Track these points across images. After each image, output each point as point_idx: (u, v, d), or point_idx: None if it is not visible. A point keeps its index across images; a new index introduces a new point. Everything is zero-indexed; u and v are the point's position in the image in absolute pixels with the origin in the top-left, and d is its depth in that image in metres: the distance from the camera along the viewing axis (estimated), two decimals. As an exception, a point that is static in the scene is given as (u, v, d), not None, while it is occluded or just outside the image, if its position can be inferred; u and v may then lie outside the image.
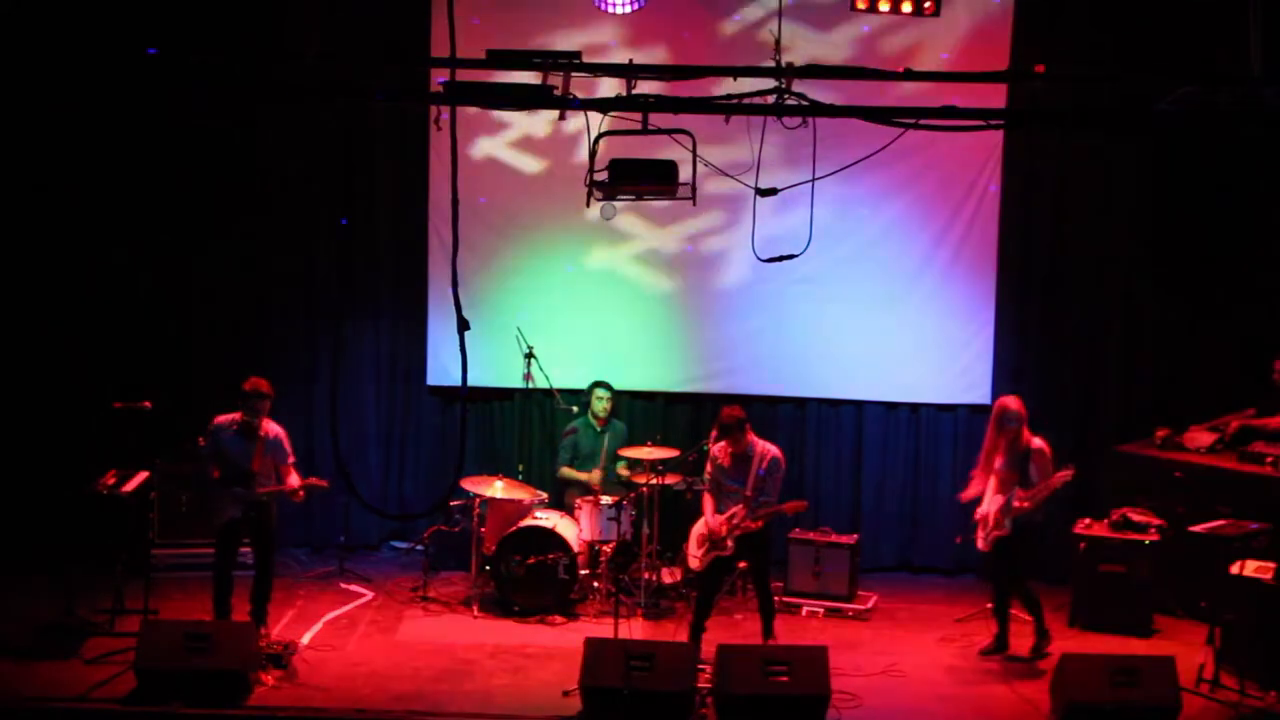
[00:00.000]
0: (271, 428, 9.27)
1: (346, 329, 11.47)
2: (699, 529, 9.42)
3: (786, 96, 7.59)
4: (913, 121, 7.58)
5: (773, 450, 9.28)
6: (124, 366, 11.21)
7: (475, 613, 10.11)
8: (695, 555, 9.42)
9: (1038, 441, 9.37)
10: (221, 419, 9.24)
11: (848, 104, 7.90)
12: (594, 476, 10.84)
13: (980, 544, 9.54)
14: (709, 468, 9.40)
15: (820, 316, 11.46)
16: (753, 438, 9.28)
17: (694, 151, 7.99)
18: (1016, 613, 9.66)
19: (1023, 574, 9.51)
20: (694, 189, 8.21)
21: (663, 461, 10.21)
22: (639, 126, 7.81)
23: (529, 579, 10.04)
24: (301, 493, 9.24)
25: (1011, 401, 9.45)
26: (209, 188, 11.39)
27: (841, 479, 11.74)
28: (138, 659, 8.39)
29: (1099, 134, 11.12)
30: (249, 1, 11.07)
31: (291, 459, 9.34)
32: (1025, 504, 9.26)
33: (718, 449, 9.34)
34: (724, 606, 10.07)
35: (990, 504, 9.45)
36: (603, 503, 10.27)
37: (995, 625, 9.61)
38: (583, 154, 7.92)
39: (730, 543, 9.18)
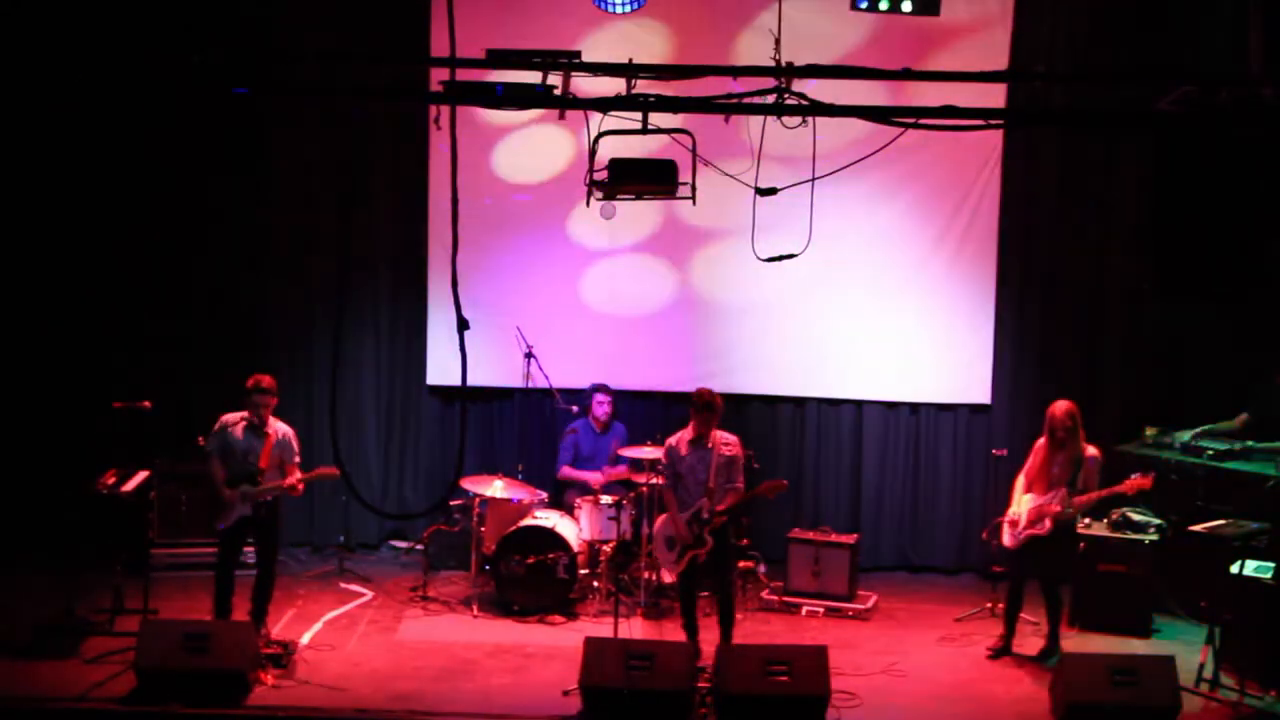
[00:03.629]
0: (280, 427, 9.29)
1: (347, 328, 11.47)
2: (665, 530, 9.36)
3: (786, 96, 7.59)
4: (913, 121, 7.57)
5: (729, 436, 9.28)
6: (124, 366, 11.22)
7: (475, 612, 10.11)
8: (669, 559, 9.34)
9: (1092, 449, 9.32)
10: (228, 417, 9.25)
11: (848, 104, 7.87)
12: (594, 478, 10.84)
13: (1008, 541, 9.49)
14: (664, 460, 9.36)
15: (820, 316, 11.47)
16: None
17: (694, 151, 7.98)
18: (1024, 615, 9.66)
19: (1058, 576, 9.48)
20: (694, 189, 8.20)
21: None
22: (639, 126, 7.80)
23: (529, 579, 10.04)
24: (301, 486, 9.25)
25: (1059, 407, 9.33)
26: (209, 187, 11.40)
27: (841, 479, 11.74)
28: (137, 659, 8.40)
29: (1099, 134, 11.12)
30: (249, 1, 11.07)
31: (298, 458, 9.35)
32: (1074, 509, 9.21)
33: (676, 439, 9.32)
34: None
35: (1023, 504, 9.40)
36: (603, 502, 10.27)
37: (1001, 626, 9.60)
38: (583, 153, 7.91)
39: (708, 537, 9.13)
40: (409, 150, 11.45)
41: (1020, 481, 9.52)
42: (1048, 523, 9.24)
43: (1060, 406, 9.36)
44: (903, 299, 11.44)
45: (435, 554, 10.87)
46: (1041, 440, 9.45)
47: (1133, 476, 9.27)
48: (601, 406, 11.01)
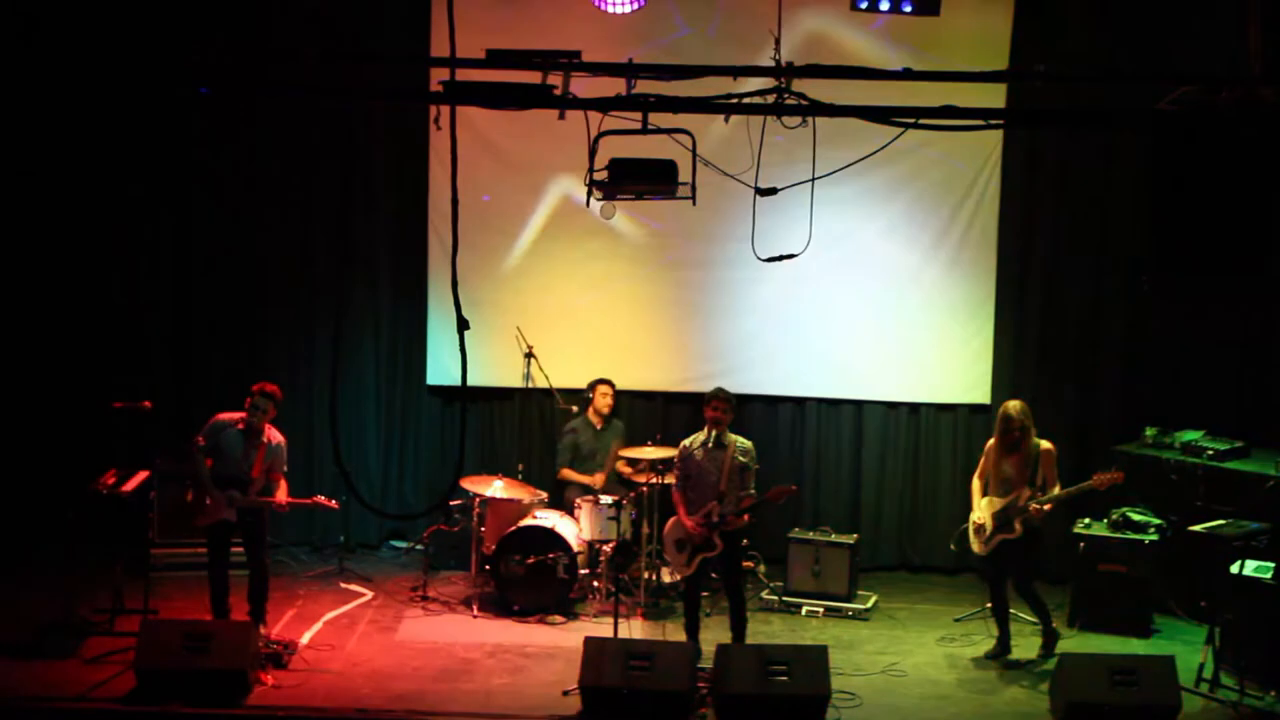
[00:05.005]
0: (275, 435, 9.28)
1: (347, 329, 11.47)
2: (675, 533, 9.37)
3: (786, 96, 7.59)
4: (913, 121, 7.57)
5: (745, 442, 9.28)
6: (124, 366, 11.23)
7: (475, 612, 10.12)
8: (679, 562, 9.35)
9: (1045, 444, 9.33)
10: (224, 416, 9.24)
11: (848, 104, 7.87)
12: (596, 480, 10.84)
13: (977, 548, 9.52)
14: (677, 461, 9.36)
15: (820, 316, 11.47)
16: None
17: (694, 151, 7.98)
18: (1017, 611, 9.67)
19: (1031, 577, 9.49)
20: (694, 189, 8.20)
21: (663, 461, 10.21)
22: (639, 126, 7.80)
23: (529, 579, 10.04)
24: (287, 507, 9.25)
25: (1014, 405, 9.38)
26: (209, 187, 11.41)
27: (841, 479, 11.74)
28: (137, 659, 8.40)
29: (1099, 134, 11.12)
30: (248, 1, 11.07)
31: (285, 468, 9.34)
32: (1047, 506, 9.22)
33: (689, 441, 9.33)
34: (724, 607, 10.04)
35: (985, 508, 9.41)
36: (603, 502, 10.27)
37: (996, 629, 9.60)
38: (583, 154, 7.90)
39: (718, 540, 9.14)
40: (409, 150, 11.45)
41: (976, 485, 9.53)
42: (1017, 525, 9.24)
43: (1014, 405, 9.37)
44: (903, 299, 11.44)
45: (435, 554, 10.87)
46: (992, 441, 9.47)
47: (1099, 472, 9.27)
48: (605, 399, 11.00)
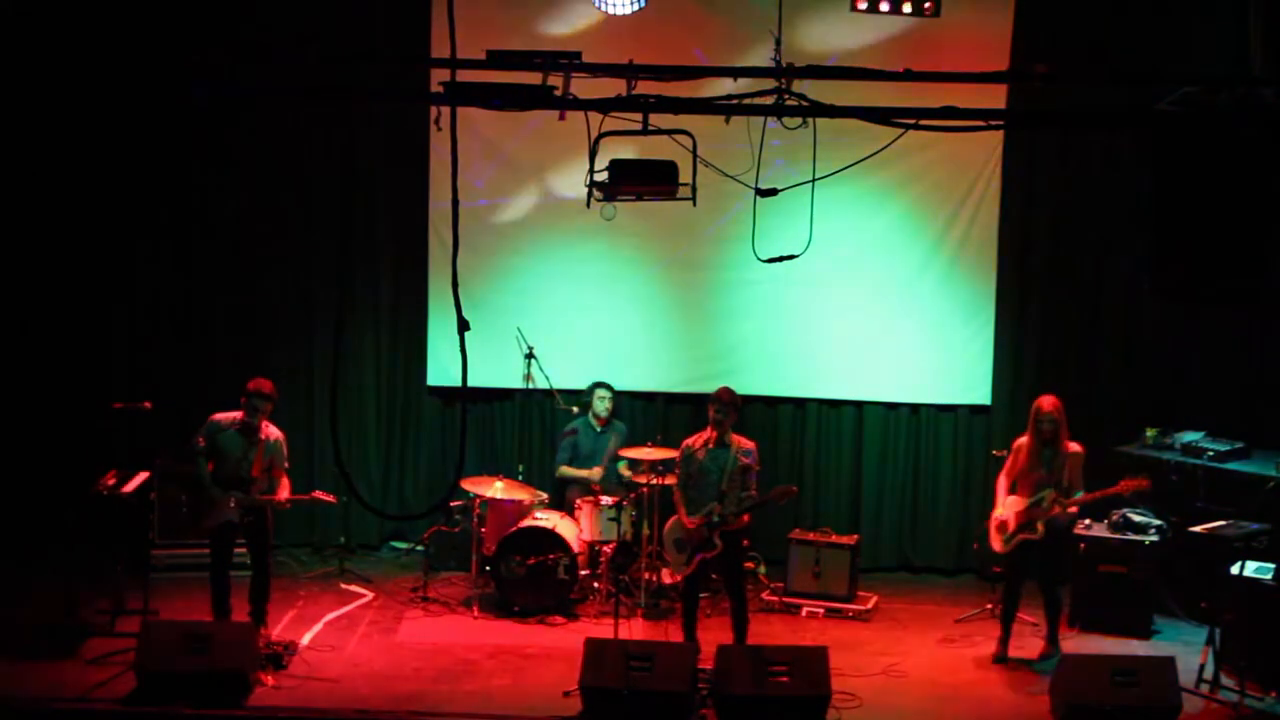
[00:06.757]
0: (272, 431, 9.27)
1: (347, 329, 11.47)
2: (675, 533, 9.36)
3: (786, 96, 7.59)
4: (913, 122, 7.57)
5: (748, 443, 9.27)
6: (124, 366, 11.23)
7: (475, 613, 10.12)
8: (678, 562, 9.34)
9: (1075, 445, 9.29)
10: (220, 416, 9.24)
11: (848, 105, 7.86)
12: (594, 473, 10.84)
13: (998, 546, 9.47)
14: (679, 461, 9.35)
15: (820, 316, 11.47)
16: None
17: (694, 151, 7.98)
18: (1022, 615, 9.66)
19: (1056, 579, 9.46)
20: (694, 189, 8.20)
21: (663, 461, 10.21)
22: (639, 127, 7.80)
23: (529, 579, 10.04)
24: (289, 504, 9.25)
25: (1048, 401, 9.33)
26: (209, 188, 11.41)
27: (841, 479, 11.74)
28: (138, 659, 8.41)
29: (1099, 134, 11.12)
30: (249, 2, 11.07)
31: (286, 464, 9.34)
32: (1073, 509, 9.21)
33: (692, 440, 9.32)
34: (724, 608, 10.05)
35: (1010, 506, 9.39)
36: (603, 503, 10.27)
37: (1000, 630, 9.57)
38: (583, 154, 7.91)
39: (718, 540, 9.14)
40: (409, 151, 11.44)
41: (1003, 482, 9.51)
42: (1039, 526, 9.22)
43: (1048, 400, 9.33)
44: (903, 299, 11.44)
45: (435, 555, 10.88)
46: (1024, 438, 9.42)
47: (1126, 478, 9.26)
48: (602, 403, 11.01)
